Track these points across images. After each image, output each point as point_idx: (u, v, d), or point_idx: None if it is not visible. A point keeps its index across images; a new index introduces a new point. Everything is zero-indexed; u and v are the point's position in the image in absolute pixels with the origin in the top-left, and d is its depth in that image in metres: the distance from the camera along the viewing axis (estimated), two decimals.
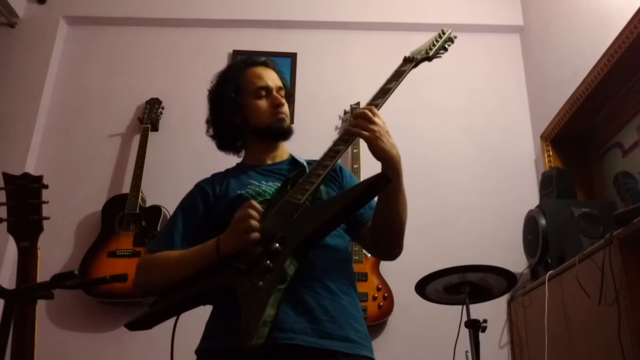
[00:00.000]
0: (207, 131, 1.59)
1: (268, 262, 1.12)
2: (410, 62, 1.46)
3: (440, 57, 1.52)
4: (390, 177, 1.17)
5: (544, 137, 3.03)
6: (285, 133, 1.52)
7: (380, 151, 1.25)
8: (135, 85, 3.33)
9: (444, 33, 1.55)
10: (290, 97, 1.61)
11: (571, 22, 2.82)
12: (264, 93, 1.50)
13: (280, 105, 1.51)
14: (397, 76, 1.42)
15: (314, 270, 1.27)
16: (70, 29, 3.51)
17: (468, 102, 3.31)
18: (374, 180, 1.16)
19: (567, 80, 2.76)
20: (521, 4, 3.49)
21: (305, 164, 1.48)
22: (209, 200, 1.44)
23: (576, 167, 2.90)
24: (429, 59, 1.49)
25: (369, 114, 1.27)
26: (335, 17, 3.47)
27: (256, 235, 1.17)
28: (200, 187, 1.50)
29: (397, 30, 3.44)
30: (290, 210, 1.21)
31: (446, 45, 1.53)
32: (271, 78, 1.53)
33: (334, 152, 1.30)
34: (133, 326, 1.24)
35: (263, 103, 1.50)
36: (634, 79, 2.45)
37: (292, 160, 1.54)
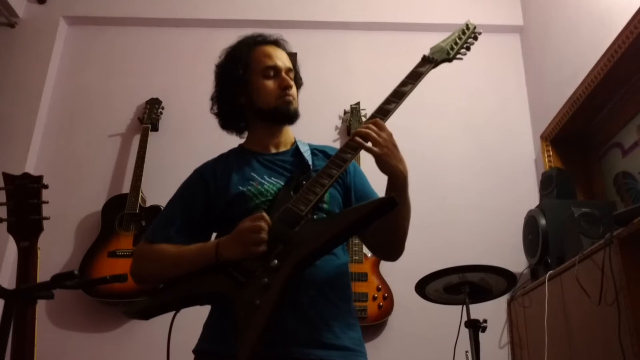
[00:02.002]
0: (212, 108, 1.53)
1: (266, 279, 1.13)
2: (430, 62, 1.40)
3: (461, 58, 1.45)
4: (398, 201, 1.14)
5: (544, 137, 3.03)
6: (292, 116, 1.46)
7: (387, 167, 1.24)
8: (135, 85, 3.33)
9: (468, 28, 1.49)
10: (299, 80, 1.55)
11: (571, 22, 2.82)
12: (272, 73, 1.43)
13: (289, 87, 1.44)
14: (414, 78, 1.36)
15: (313, 277, 1.25)
16: (70, 29, 3.51)
17: (468, 102, 3.31)
18: (381, 203, 1.15)
19: (567, 80, 2.76)
20: (521, 4, 3.49)
21: (309, 155, 1.45)
22: (209, 192, 1.40)
23: (576, 167, 2.90)
24: (450, 60, 1.43)
25: (376, 129, 1.24)
26: (335, 17, 3.47)
27: (263, 249, 1.16)
28: (200, 175, 1.45)
29: (397, 30, 3.45)
30: (291, 220, 1.19)
31: (469, 43, 1.47)
32: (281, 58, 1.46)
33: (340, 160, 1.26)
34: (131, 315, 1.26)
35: (271, 84, 1.43)
36: (634, 79, 2.45)
37: (296, 150, 1.48)
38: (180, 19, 3.49)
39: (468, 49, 1.47)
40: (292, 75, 1.48)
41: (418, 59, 1.44)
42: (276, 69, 1.44)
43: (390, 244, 1.39)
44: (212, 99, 1.53)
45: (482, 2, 3.48)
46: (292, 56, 1.53)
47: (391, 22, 3.46)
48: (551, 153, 2.98)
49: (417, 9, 3.49)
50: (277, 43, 1.51)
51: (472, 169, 3.15)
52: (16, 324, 1.26)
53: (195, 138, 3.10)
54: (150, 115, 3.16)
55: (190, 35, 3.47)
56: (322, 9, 3.48)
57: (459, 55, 1.46)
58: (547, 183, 2.73)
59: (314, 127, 2.98)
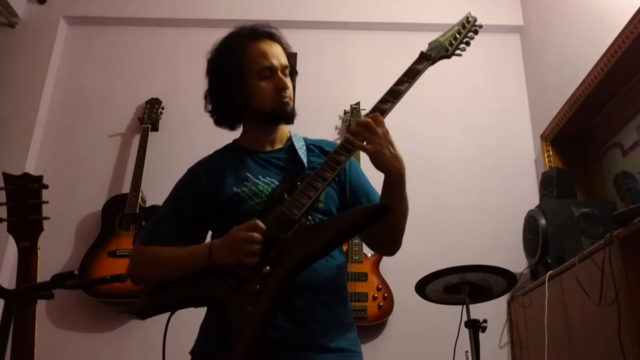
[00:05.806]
0: (206, 107, 1.48)
1: (258, 286, 1.14)
2: (427, 59, 1.34)
3: (460, 54, 1.39)
4: (390, 208, 1.14)
5: (544, 137, 3.03)
6: (289, 117, 1.42)
7: (382, 164, 1.22)
8: (135, 85, 3.33)
9: (468, 22, 1.41)
10: (294, 73, 1.50)
11: (571, 22, 2.82)
12: (268, 74, 1.39)
13: (285, 88, 1.39)
14: (411, 76, 1.32)
15: (309, 280, 1.25)
16: (70, 29, 3.51)
17: (468, 102, 3.31)
18: (372, 211, 1.15)
19: (567, 80, 2.76)
20: (521, 4, 3.49)
21: (304, 152, 1.42)
22: (202, 191, 1.38)
23: (576, 167, 2.90)
24: (448, 56, 1.38)
25: (372, 124, 1.22)
26: (335, 17, 3.47)
27: (255, 260, 1.16)
28: (193, 175, 1.43)
29: (397, 30, 3.45)
30: (285, 224, 1.19)
31: (469, 38, 1.40)
32: (276, 55, 1.41)
33: (335, 162, 1.24)
34: (128, 313, 1.26)
35: (267, 85, 1.39)
36: (634, 79, 2.45)
37: (291, 147, 1.44)
38: (180, 19, 3.49)
39: (468, 44, 1.40)
40: (287, 71, 1.43)
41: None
42: (272, 69, 1.39)
43: (387, 241, 1.38)
44: (205, 96, 1.49)
45: (482, 2, 3.47)
46: (287, 47, 1.48)
47: (391, 22, 3.46)
48: (551, 153, 2.98)
49: (416, 8, 3.49)
50: (271, 37, 1.45)
51: (472, 169, 3.15)
52: (16, 324, 1.26)
53: (195, 138, 3.10)
54: (150, 115, 3.16)
55: (190, 35, 3.47)
56: (322, 9, 3.48)
57: (457, 51, 1.39)
58: (547, 183, 2.73)
59: (314, 127, 2.97)
